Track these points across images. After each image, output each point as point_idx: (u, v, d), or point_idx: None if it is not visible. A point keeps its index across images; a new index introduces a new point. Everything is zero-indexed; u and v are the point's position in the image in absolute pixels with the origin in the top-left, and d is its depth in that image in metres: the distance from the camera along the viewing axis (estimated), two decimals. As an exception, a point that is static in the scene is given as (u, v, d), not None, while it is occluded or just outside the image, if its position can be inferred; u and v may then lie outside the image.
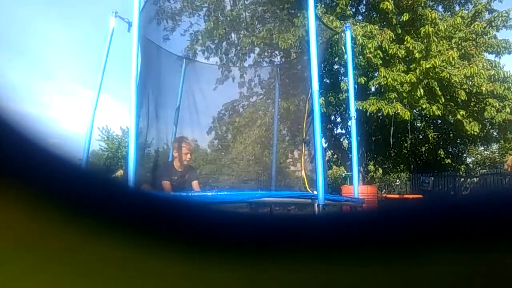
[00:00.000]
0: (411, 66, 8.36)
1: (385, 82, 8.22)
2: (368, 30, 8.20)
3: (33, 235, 0.37)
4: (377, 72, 8.67)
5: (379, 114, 11.18)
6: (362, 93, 9.17)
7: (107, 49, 4.59)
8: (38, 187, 0.39)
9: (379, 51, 8.26)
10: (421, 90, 8.23)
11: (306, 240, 0.44)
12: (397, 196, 11.77)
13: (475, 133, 9.39)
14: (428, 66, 7.86)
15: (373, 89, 9.50)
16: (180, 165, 4.05)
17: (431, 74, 8.16)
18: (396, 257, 0.42)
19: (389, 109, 8.33)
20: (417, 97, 8.36)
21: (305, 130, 5.13)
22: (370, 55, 8.16)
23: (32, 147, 0.42)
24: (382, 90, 8.84)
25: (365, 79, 8.73)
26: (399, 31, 8.79)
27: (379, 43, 8.16)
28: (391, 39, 8.32)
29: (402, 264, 0.41)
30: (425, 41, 8.18)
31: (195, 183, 4.11)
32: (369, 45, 8.01)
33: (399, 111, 8.28)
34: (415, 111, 9.57)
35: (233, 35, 9.33)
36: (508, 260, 0.40)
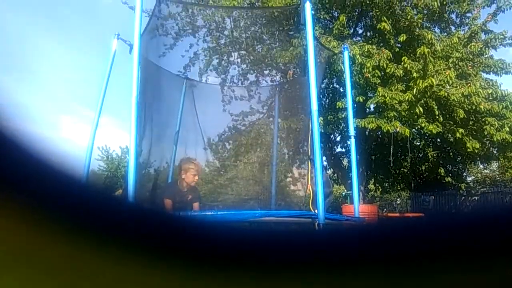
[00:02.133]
0: (409, 86, 8.44)
1: (383, 101, 8.27)
2: (366, 50, 8.31)
3: (34, 248, 0.37)
4: (376, 91, 8.74)
5: (378, 133, 11.22)
6: (361, 112, 9.22)
7: (109, 70, 4.66)
8: (39, 202, 0.39)
9: (377, 71, 8.35)
10: (420, 109, 8.28)
11: (306, 256, 0.44)
12: (397, 214, 11.68)
13: (476, 150, 9.40)
14: (425, 85, 7.93)
15: (372, 108, 9.56)
16: (186, 185, 4.06)
17: (429, 93, 8.22)
18: (396, 274, 0.42)
19: (388, 127, 8.36)
20: (415, 116, 8.40)
21: (310, 148, 5.15)
22: (369, 75, 8.24)
23: (34, 165, 0.42)
24: (381, 109, 8.89)
25: (364, 98, 8.79)
26: (397, 49, 8.91)
27: (377, 62, 8.26)
28: (389, 58, 8.42)
29: (401, 282, 0.41)
30: (421, 61, 8.27)
31: (195, 205, 4.12)
32: (368, 64, 8.10)
33: (398, 129, 8.31)
34: (414, 130, 9.61)
35: (233, 55, 9.45)
36: (507, 276, 0.40)
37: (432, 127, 8.54)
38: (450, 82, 8.27)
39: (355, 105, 8.41)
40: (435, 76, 8.13)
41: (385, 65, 8.27)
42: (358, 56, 7.96)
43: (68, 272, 0.38)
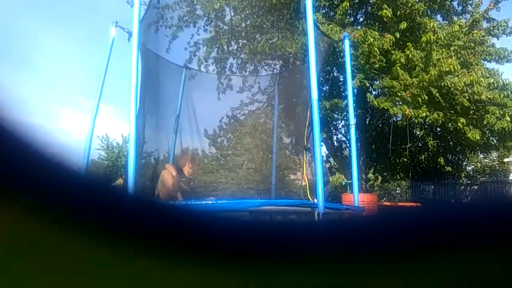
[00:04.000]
0: (413, 73, 8.39)
1: (389, 85, 8.23)
2: (370, 36, 8.23)
3: (33, 240, 0.37)
4: (379, 77, 8.72)
5: (378, 122, 11.18)
6: (363, 98, 9.19)
7: (107, 58, 4.62)
8: (39, 194, 0.39)
9: (381, 56, 8.30)
10: (425, 96, 8.24)
11: (307, 246, 0.44)
12: (389, 203, 11.73)
13: (476, 140, 9.40)
14: (433, 73, 7.87)
15: (373, 93, 9.51)
16: (189, 174, 4.47)
17: (435, 82, 8.17)
18: (395, 265, 0.42)
19: (397, 110, 8.36)
20: (417, 104, 8.36)
21: (306, 137, 5.14)
22: (375, 59, 8.19)
23: (33, 156, 0.42)
24: (381, 95, 8.88)
25: (369, 82, 8.77)
26: (398, 36, 8.84)
27: (381, 46, 8.21)
28: (391, 42, 8.35)
29: (401, 272, 0.42)
30: (427, 47, 8.21)
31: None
32: (376, 48, 8.04)
33: (406, 112, 8.27)
34: (415, 119, 9.57)
35: (233, 44, 9.37)
36: (507, 267, 0.40)
37: (434, 116, 8.52)
38: (453, 70, 8.23)
39: (362, 87, 8.41)
40: (437, 65, 8.08)
41: (389, 47, 8.19)
42: (370, 38, 7.88)
43: (68, 264, 0.38)
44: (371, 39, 7.93)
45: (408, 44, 8.40)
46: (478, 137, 9.17)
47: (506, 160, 6.17)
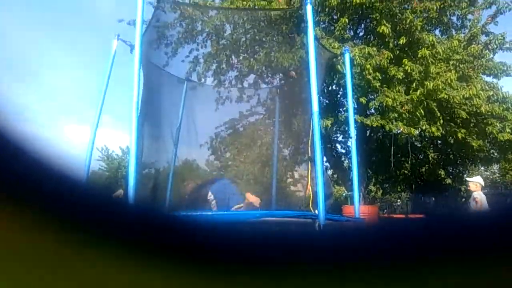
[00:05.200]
0: (411, 87, 8.41)
1: (385, 101, 8.23)
2: (366, 52, 8.27)
3: (34, 250, 0.37)
4: (377, 94, 8.72)
5: (379, 134, 11.18)
6: (362, 113, 9.19)
7: (109, 70, 4.66)
8: (40, 203, 0.39)
9: (377, 73, 8.32)
10: (421, 111, 8.25)
11: (308, 256, 0.44)
12: (399, 216, 11.66)
13: (480, 148, 9.39)
14: (431, 87, 7.89)
15: (373, 110, 9.52)
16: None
17: (433, 96, 8.18)
18: (399, 273, 0.42)
19: (391, 127, 8.35)
20: (416, 119, 8.37)
21: (311, 148, 5.15)
22: (370, 76, 8.20)
23: (34, 165, 0.42)
24: (381, 110, 8.88)
25: (366, 99, 8.77)
26: (397, 52, 8.89)
27: (378, 64, 8.22)
28: (389, 59, 8.39)
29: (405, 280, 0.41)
30: (424, 62, 8.24)
31: None
32: (367, 66, 8.06)
33: (401, 129, 8.27)
34: (416, 132, 9.56)
35: (233, 58, 9.40)
36: (508, 275, 0.40)
37: (433, 129, 8.52)
38: (452, 84, 8.25)
39: (356, 106, 8.40)
40: (436, 78, 8.11)
41: (386, 65, 8.22)
42: (357, 57, 7.91)
43: (68, 272, 0.38)
44: (359, 60, 7.93)
45: (404, 60, 8.44)
46: (481, 144, 9.17)
47: (467, 178, 6.18)
